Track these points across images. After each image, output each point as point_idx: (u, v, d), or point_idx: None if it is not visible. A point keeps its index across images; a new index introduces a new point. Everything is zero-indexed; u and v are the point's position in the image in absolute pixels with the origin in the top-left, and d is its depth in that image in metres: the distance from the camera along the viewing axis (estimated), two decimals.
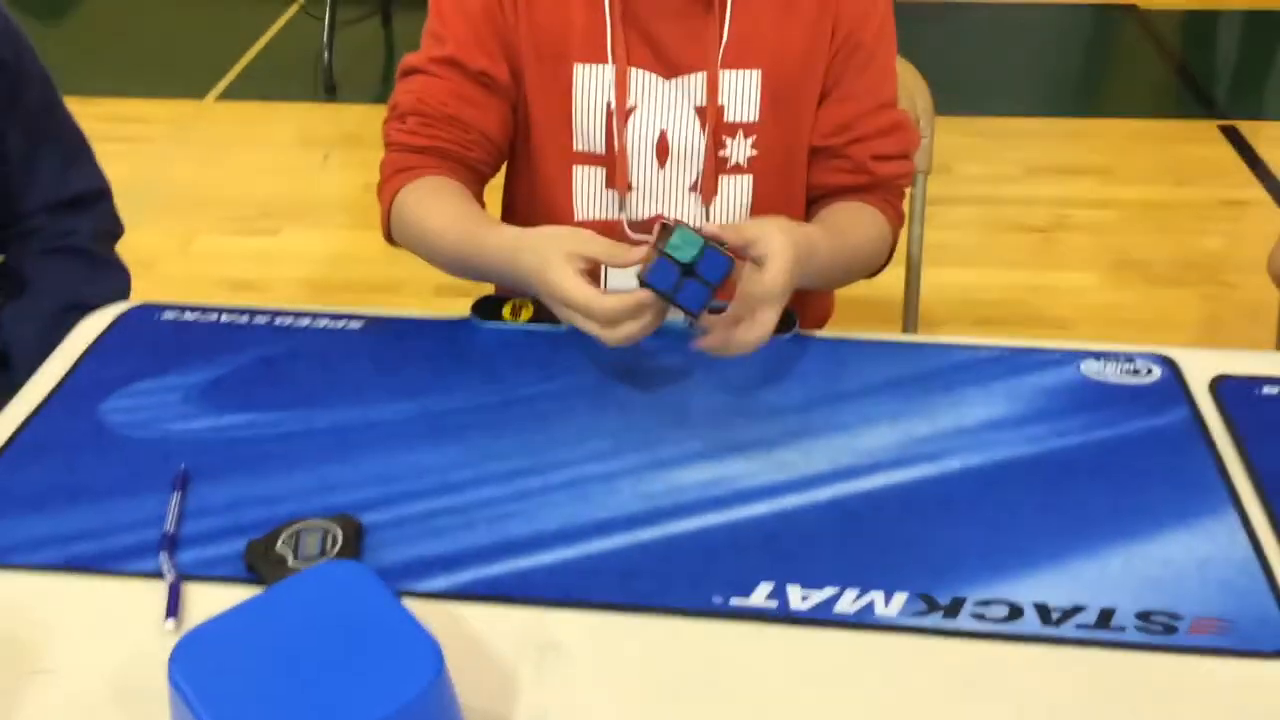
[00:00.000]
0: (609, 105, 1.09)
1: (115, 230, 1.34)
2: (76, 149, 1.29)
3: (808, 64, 1.10)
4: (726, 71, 1.08)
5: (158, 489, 0.85)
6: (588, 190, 1.13)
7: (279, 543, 0.78)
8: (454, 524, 0.82)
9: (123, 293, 1.28)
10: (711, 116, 1.09)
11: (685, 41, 1.08)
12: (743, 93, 1.09)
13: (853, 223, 1.11)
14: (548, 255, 0.89)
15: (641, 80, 1.09)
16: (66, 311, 1.12)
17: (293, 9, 3.66)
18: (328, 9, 3.28)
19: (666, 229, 0.86)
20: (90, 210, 1.30)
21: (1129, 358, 0.99)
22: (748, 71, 1.08)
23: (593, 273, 0.90)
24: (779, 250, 0.87)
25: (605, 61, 1.08)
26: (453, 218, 1.03)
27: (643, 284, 0.86)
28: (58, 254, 1.26)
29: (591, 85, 1.09)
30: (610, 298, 0.86)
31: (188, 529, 0.82)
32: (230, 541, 0.80)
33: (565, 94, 1.09)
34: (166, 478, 0.86)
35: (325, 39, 3.25)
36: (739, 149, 1.11)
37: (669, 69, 1.09)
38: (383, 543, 0.81)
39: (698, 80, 1.09)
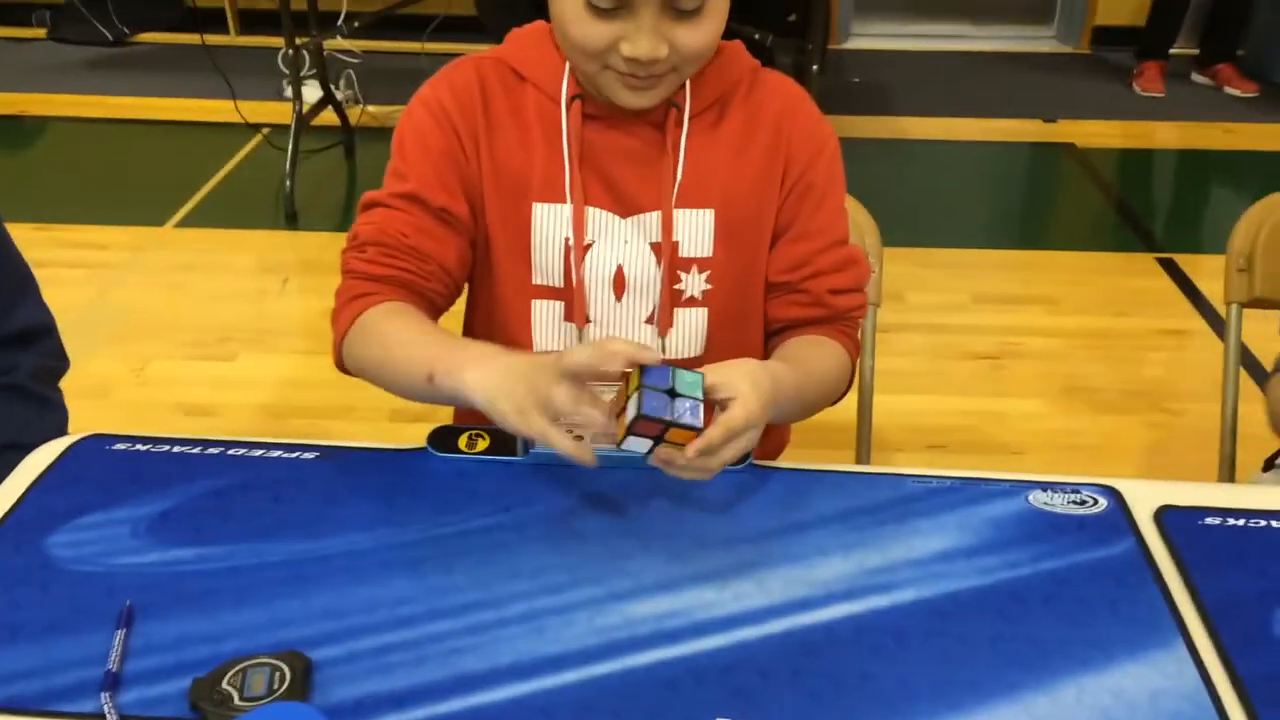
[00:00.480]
0: (567, 241, 1.11)
1: (58, 367, 1.32)
2: (21, 284, 1.28)
3: (759, 203, 1.14)
4: (680, 210, 1.12)
5: (102, 626, 0.83)
6: (546, 323, 1.15)
7: (224, 681, 0.76)
8: (406, 659, 0.81)
9: (60, 430, 1.26)
10: (667, 252, 1.12)
11: (641, 183, 1.11)
12: (696, 230, 1.12)
13: (815, 357, 1.13)
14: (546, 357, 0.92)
15: (598, 218, 1.12)
16: (0, 452, 1.10)
17: (256, 139, 3.73)
18: (291, 139, 3.34)
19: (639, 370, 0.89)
20: (32, 347, 1.28)
21: (1075, 489, 1.01)
22: (701, 211, 1.12)
23: None
24: (745, 391, 0.91)
25: (564, 201, 1.11)
26: (422, 332, 1.05)
27: (639, 417, 0.87)
28: None
29: (550, 222, 1.12)
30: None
31: (131, 667, 0.80)
32: (175, 680, 0.78)
33: (525, 230, 1.12)
34: (112, 614, 0.84)
35: (288, 168, 3.30)
36: (694, 283, 1.14)
37: (625, 209, 1.12)
38: (332, 679, 0.79)
39: (653, 219, 1.12)
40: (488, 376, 0.94)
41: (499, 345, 1.00)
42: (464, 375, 0.96)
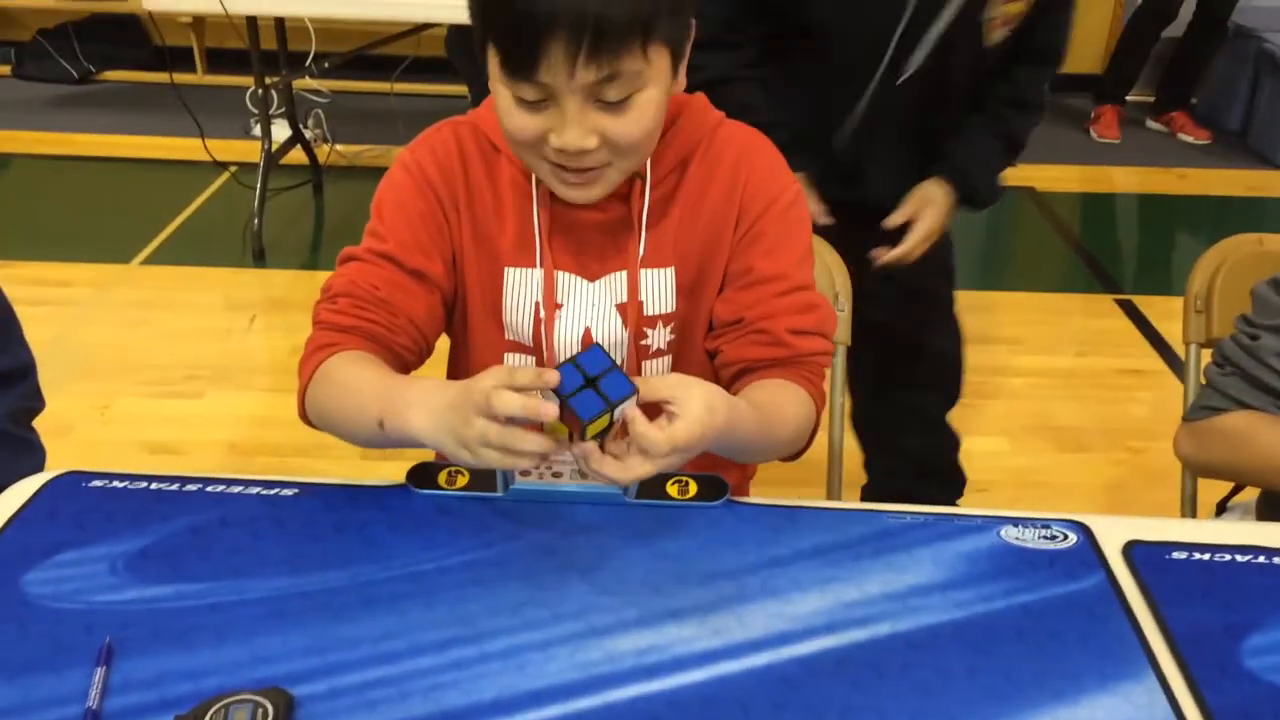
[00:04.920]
0: (537, 303, 1.14)
1: (35, 406, 1.31)
2: (4, 325, 1.27)
3: (715, 253, 1.15)
4: (644, 271, 1.14)
5: (81, 663, 0.83)
6: None
7: (207, 717, 0.76)
8: (388, 695, 0.81)
9: (37, 471, 1.25)
10: (633, 315, 1.14)
11: (607, 250, 1.14)
12: (659, 289, 1.15)
13: (777, 399, 1.11)
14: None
15: (567, 282, 1.14)
16: None
17: (223, 177, 3.72)
18: (260, 177, 3.34)
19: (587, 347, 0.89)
20: (12, 389, 1.26)
21: (1046, 524, 1.03)
22: (663, 270, 1.14)
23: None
24: (699, 415, 0.89)
25: (534, 267, 1.13)
26: (374, 376, 1.03)
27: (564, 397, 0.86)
28: None
29: (521, 286, 1.14)
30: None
31: (112, 704, 0.79)
32: (157, 717, 0.78)
33: (498, 292, 1.15)
34: (91, 651, 0.84)
35: (256, 206, 3.30)
36: (659, 336, 1.16)
37: (592, 273, 1.14)
38: (315, 716, 0.79)
39: (619, 280, 1.14)
40: (430, 415, 0.92)
41: (442, 380, 0.98)
42: (409, 417, 0.94)
